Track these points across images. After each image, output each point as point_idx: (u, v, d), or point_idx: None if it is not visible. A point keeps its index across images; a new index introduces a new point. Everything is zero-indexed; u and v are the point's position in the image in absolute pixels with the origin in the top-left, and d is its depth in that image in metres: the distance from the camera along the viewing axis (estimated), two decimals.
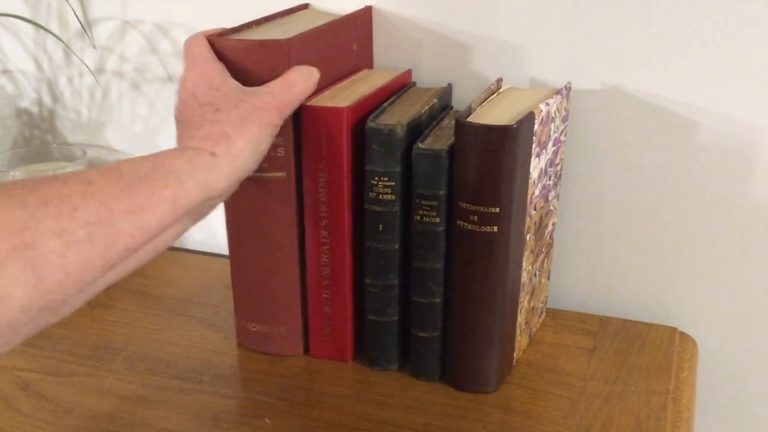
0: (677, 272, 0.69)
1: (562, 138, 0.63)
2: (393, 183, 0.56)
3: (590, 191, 0.69)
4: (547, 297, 0.69)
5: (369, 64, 0.70)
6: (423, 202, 0.56)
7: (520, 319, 0.61)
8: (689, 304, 0.69)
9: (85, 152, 0.82)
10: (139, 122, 0.85)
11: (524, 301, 0.61)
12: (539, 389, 0.60)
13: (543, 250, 0.64)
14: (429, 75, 0.69)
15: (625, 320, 0.68)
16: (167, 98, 0.82)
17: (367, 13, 0.68)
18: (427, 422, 0.56)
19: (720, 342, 0.69)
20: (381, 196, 0.57)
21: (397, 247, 0.58)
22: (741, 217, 0.65)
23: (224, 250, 0.86)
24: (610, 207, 0.69)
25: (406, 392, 0.60)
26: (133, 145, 0.86)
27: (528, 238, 0.59)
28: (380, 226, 0.58)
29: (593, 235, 0.70)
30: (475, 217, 0.54)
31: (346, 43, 0.65)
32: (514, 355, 0.62)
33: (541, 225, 0.62)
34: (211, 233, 0.86)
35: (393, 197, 0.57)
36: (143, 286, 0.78)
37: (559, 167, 0.64)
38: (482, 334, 0.58)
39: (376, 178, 0.56)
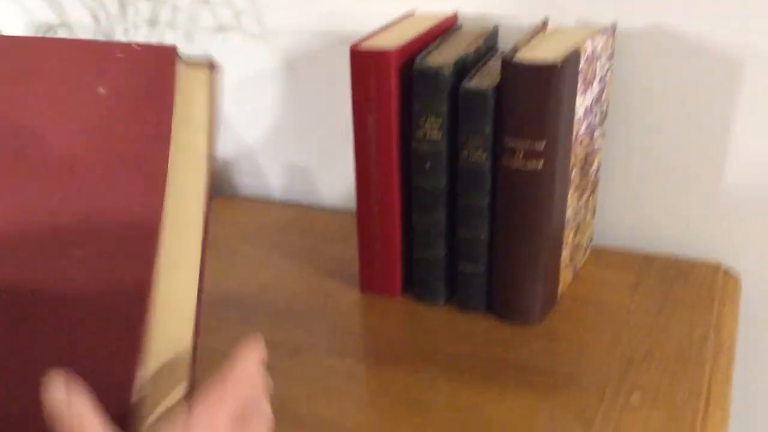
0: (722, 210, 0.69)
1: (608, 77, 0.64)
2: (440, 122, 0.58)
3: (635, 130, 0.69)
4: (592, 234, 0.71)
5: None
6: (469, 140, 0.57)
7: (565, 254, 0.63)
8: (733, 241, 0.70)
9: None
10: None
11: (569, 236, 0.63)
12: (583, 321, 0.62)
13: (588, 187, 0.65)
14: (475, 19, 0.70)
15: (669, 257, 0.70)
16: (218, 48, 0.84)
17: None
18: (473, 350, 0.59)
19: (764, 278, 0.70)
20: (428, 135, 0.59)
21: (443, 184, 0.60)
22: None
23: (277, 195, 0.90)
24: (654, 145, 0.69)
25: (452, 324, 0.62)
26: None
27: (573, 175, 0.60)
28: (428, 164, 0.60)
29: (638, 174, 0.71)
30: (521, 154, 0.55)
31: None
32: (559, 289, 0.64)
33: (586, 162, 0.63)
34: (264, 181, 0.89)
35: (440, 136, 0.58)
36: None
37: (604, 106, 0.65)
38: (527, 268, 0.60)
39: (424, 118, 0.58)
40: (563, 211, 0.60)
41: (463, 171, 0.59)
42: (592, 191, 0.67)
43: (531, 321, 0.62)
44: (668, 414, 0.51)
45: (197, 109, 0.41)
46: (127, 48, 0.40)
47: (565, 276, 0.65)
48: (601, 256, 0.71)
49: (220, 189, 0.92)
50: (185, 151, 0.40)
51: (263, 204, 0.88)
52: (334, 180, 0.86)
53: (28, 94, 0.39)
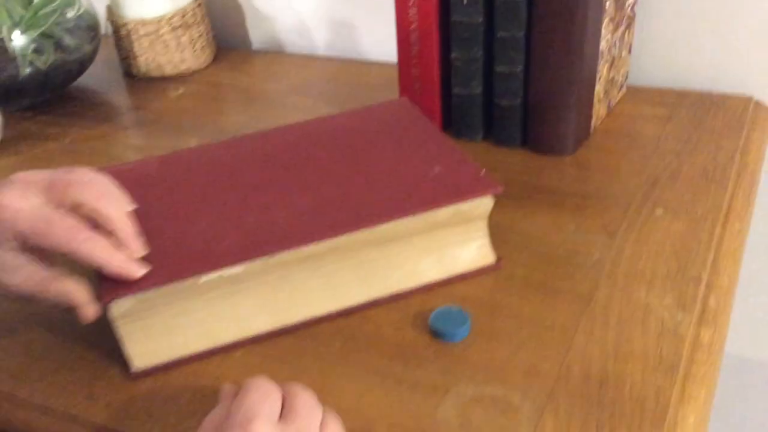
0: (756, 45, 0.70)
1: None
2: None
3: None
4: (627, 72, 0.73)
5: None
6: None
7: (599, 87, 0.65)
8: (766, 74, 0.71)
9: None
10: None
11: (603, 70, 0.65)
12: (614, 150, 0.65)
13: (623, 21, 0.67)
14: None
15: (703, 92, 0.71)
16: None
17: None
18: (507, 177, 0.63)
19: None
20: None
21: (480, 20, 0.62)
22: None
23: (321, 51, 0.93)
24: None
25: (489, 157, 0.66)
26: None
27: (607, 5, 0.61)
28: (464, 0, 0.62)
29: (674, 11, 0.72)
30: None
31: None
32: (592, 123, 0.67)
33: None
34: (308, 37, 0.92)
35: None
36: (248, 82, 0.86)
37: None
38: (561, 99, 0.63)
39: None
40: (597, 42, 0.62)
41: (500, 4, 0.61)
42: (628, 26, 0.69)
43: (564, 152, 0.65)
44: (689, 224, 0.55)
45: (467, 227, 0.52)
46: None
47: (599, 110, 0.68)
48: (636, 93, 0.73)
49: (267, 46, 0.95)
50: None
51: (309, 59, 0.91)
52: (376, 33, 0.88)
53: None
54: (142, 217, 0.49)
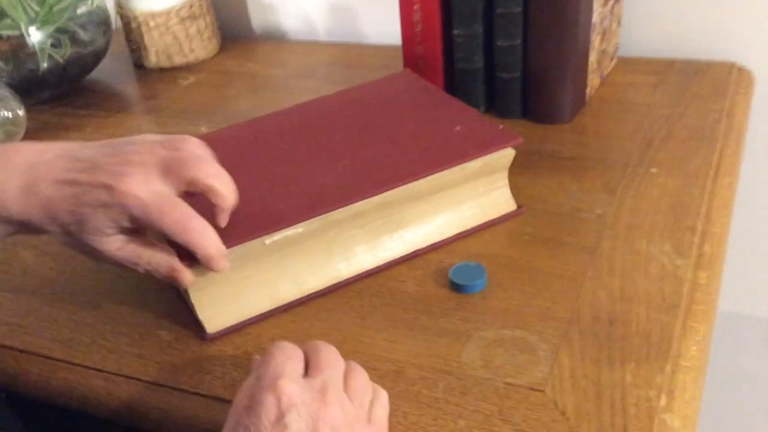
0: (737, 14, 0.74)
1: None
2: None
3: None
4: (618, 43, 0.77)
5: None
6: None
7: (592, 58, 0.69)
8: (749, 41, 0.75)
9: None
10: None
11: (595, 41, 0.69)
12: (609, 117, 0.69)
13: None
14: None
15: (689, 60, 0.76)
16: None
17: None
18: None
19: None
20: None
21: None
22: None
23: (323, 37, 0.96)
24: None
25: None
26: None
27: None
28: None
29: None
30: None
31: None
32: (587, 92, 0.71)
33: None
34: (310, 23, 0.96)
35: None
36: (253, 69, 0.90)
37: None
38: (558, 71, 0.67)
39: None
40: (590, 14, 0.66)
41: None
42: (617, 0, 0.73)
43: (562, 120, 0.69)
44: (682, 180, 0.59)
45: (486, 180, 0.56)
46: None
47: (593, 80, 0.72)
48: (627, 63, 0.77)
49: (270, 33, 0.99)
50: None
51: (311, 45, 0.95)
52: (375, 18, 0.92)
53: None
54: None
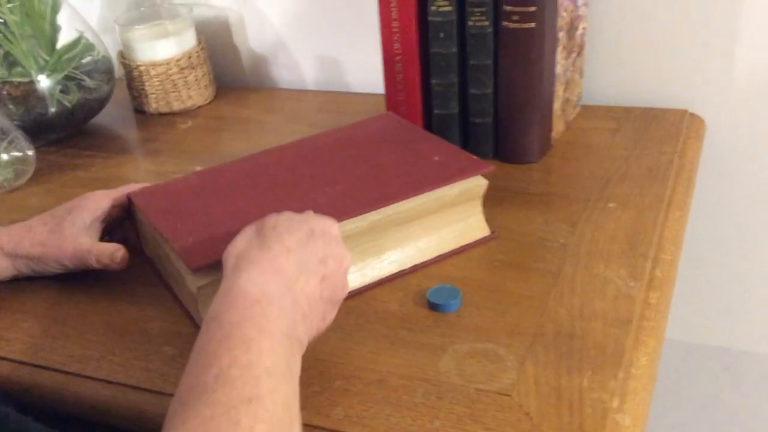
0: (689, 67, 0.82)
1: None
2: None
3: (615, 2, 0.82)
4: (581, 93, 0.84)
5: None
6: (475, 9, 0.71)
7: (557, 105, 0.77)
8: (701, 91, 0.83)
9: (191, 10, 0.98)
10: None
11: (559, 90, 0.76)
12: (572, 158, 0.76)
13: (575, 49, 0.79)
14: None
15: (646, 108, 0.83)
16: None
17: None
18: None
19: (725, 122, 0.84)
20: (441, 8, 0.72)
21: (455, 50, 0.74)
22: (752, 21, 0.78)
23: (311, 86, 1.03)
24: (633, 12, 0.82)
25: None
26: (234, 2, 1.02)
27: (560, 36, 0.73)
28: (441, 33, 0.73)
29: (618, 40, 0.84)
30: (516, 17, 0.69)
31: None
32: (553, 136, 0.78)
33: (572, 26, 0.76)
34: (299, 73, 1.03)
35: (450, 8, 0.71)
36: (247, 114, 0.96)
37: None
38: (525, 115, 0.74)
39: None
40: (553, 66, 0.73)
41: (471, 37, 0.72)
42: (579, 53, 0.80)
43: (530, 160, 0.76)
44: (637, 213, 0.66)
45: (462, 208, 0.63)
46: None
47: (558, 125, 0.79)
48: (589, 111, 0.85)
49: (262, 82, 1.06)
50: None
51: (300, 93, 1.02)
52: (361, 68, 0.99)
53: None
54: (207, 212, 0.60)
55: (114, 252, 0.62)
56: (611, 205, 0.68)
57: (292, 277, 0.47)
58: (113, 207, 0.64)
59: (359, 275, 0.60)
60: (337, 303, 0.51)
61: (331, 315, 0.51)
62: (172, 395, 0.52)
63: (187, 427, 0.37)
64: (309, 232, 0.50)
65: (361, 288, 0.60)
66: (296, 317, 0.46)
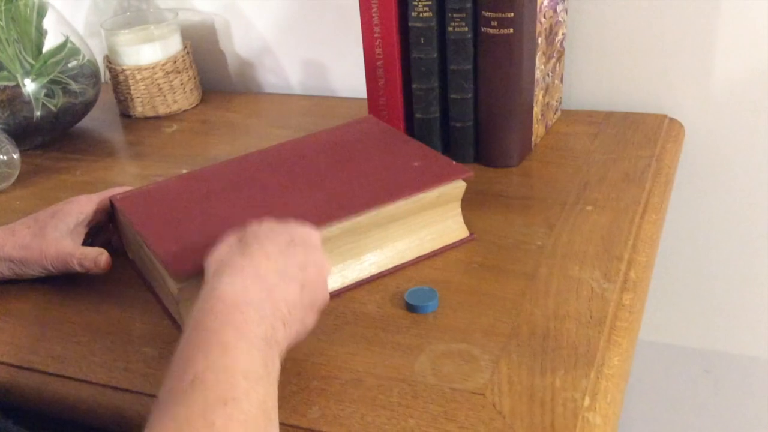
0: (668, 72, 0.84)
1: None
2: (430, 2, 0.72)
3: (594, 5, 0.83)
4: (561, 98, 0.85)
5: None
6: (455, 15, 0.72)
7: (537, 109, 0.78)
8: (680, 96, 0.84)
9: (177, 14, 0.99)
10: None
11: (539, 95, 0.77)
12: (551, 162, 0.77)
13: (554, 54, 0.80)
14: None
15: (625, 113, 0.84)
16: None
17: None
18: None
19: (704, 127, 0.85)
20: (421, 14, 0.73)
21: (435, 55, 0.75)
22: (729, 28, 0.79)
23: (296, 90, 1.04)
24: (612, 18, 0.83)
25: None
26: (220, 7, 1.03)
27: (539, 42, 0.74)
28: (422, 39, 0.74)
29: (598, 46, 0.85)
30: (495, 23, 0.70)
31: None
32: (533, 140, 0.79)
33: (551, 32, 0.77)
34: (284, 78, 1.04)
35: (431, 14, 0.72)
36: (232, 118, 0.97)
37: None
38: (505, 120, 0.75)
39: (416, 0, 0.72)
40: (532, 71, 0.74)
41: (451, 42, 0.73)
42: (558, 59, 0.82)
43: (510, 164, 0.77)
44: (613, 216, 0.67)
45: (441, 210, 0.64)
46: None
47: (538, 130, 0.80)
48: (569, 115, 0.86)
49: (248, 86, 1.07)
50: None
51: (285, 97, 1.03)
52: (344, 73, 1.00)
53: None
54: (190, 217, 0.60)
55: (97, 256, 0.63)
56: (588, 208, 0.69)
57: (272, 283, 0.48)
58: (97, 211, 0.65)
59: (339, 277, 0.61)
60: (317, 309, 0.52)
61: (312, 321, 0.52)
62: (152, 395, 0.53)
63: (164, 428, 0.37)
64: (289, 241, 0.51)
65: (342, 289, 0.61)
66: (276, 322, 0.47)
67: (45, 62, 0.87)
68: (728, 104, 0.83)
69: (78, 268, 0.63)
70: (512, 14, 0.69)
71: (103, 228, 0.68)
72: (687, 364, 1.01)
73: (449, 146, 0.79)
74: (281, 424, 0.48)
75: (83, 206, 0.65)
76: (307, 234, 0.53)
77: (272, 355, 0.45)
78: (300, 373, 0.53)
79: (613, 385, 0.51)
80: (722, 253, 0.91)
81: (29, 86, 0.86)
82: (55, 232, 0.63)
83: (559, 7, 0.78)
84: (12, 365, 0.57)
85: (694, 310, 0.97)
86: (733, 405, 1.02)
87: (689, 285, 0.95)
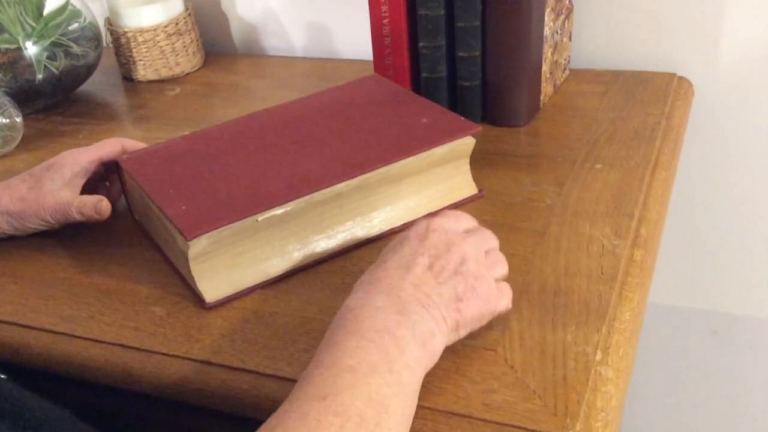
0: (678, 29, 0.82)
1: None
2: None
3: None
4: (569, 56, 0.84)
5: None
6: None
7: (545, 68, 0.77)
8: (689, 54, 0.83)
9: None
10: None
11: (548, 53, 0.76)
12: (560, 121, 0.76)
13: (563, 11, 0.78)
14: None
15: (634, 71, 0.83)
16: None
17: None
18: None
19: (713, 84, 0.84)
20: None
21: (442, 12, 0.73)
22: None
23: (300, 54, 1.03)
24: None
25: None
26: None
27: None
28: None
29: (609, 2, 0.84)
30: None
31: None
32: (541, 99, 0.78)
33: None
34: (288, 41, 1.02)
35: None
36: (236, 80, 0.96)
37: None
38: (513, 78, 0.74)
39: None
40: (542, 29, 0.73)
41: None
42: (567, 15, 0.80)
43: (518, 123, 0.76)
44: (623, 174, 0.66)
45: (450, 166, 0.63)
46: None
47: (547, 89, 0.79)
48: (578, 74, 0.85)
49: (251, 49, 1.05)
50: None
51: (289, 60, 1.01)
52: (349, 34, 0.99)
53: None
54: (198, 177, 0.59)
55: (97, 203, 0.62)
56: (598, 166, 0.68)
57: (398, 270, 0.48)
58: (92, 162, 0.64)
59: (348, 234, 0.60)
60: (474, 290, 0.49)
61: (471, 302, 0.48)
62: (161, 354, 0.53)
63: (272, 419, 0.40)
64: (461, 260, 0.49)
65: (350, 246, 0.60)
66: (406, 310, 0.45)
67: (46, 24, 0.86)
68: (737, 62, 0.82)
69: (78, 217, 0.62)
70: None
71: (102, 183, 0.68)
72: (695, 326, 1.01)
73: (456, 106, 0.78)
74: (290, 380, 0.48)
75: (78, 157, 0.64)
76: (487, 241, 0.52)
77: (398, 346, 0.44)
78: (309, 332, 0.53)
79: (625, 340, 0.51)
80: (730, 214, 0.91)
81: (31, 49, 0.85)
82: (52, 184, 0.62)
83: None
84: (21, 325, 0.57)
85: (702, 272, 0.96)
86: (740, 366, 1.02)
87: (696, 246, 0.95)
